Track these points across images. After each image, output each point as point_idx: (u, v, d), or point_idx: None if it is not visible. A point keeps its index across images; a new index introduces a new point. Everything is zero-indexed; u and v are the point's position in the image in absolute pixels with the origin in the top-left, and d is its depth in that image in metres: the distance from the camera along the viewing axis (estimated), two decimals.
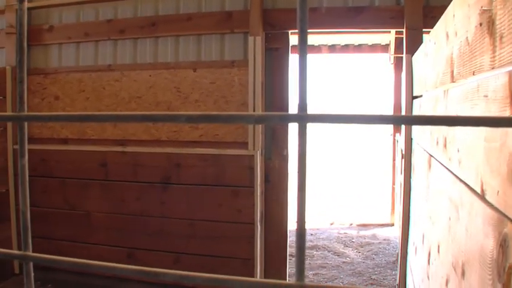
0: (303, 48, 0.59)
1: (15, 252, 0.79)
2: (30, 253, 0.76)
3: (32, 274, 0.79)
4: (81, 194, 5.30)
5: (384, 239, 7.14)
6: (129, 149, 5.18)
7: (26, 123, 0.76)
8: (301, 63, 0.59)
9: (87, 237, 5.30)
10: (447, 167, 2.17)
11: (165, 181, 5.04)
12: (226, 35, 5.09)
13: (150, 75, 5.22)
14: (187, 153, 4.97)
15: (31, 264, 0.77)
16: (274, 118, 0.62)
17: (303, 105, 0.59)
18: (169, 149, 5.07)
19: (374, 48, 8.33)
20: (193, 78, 5.09)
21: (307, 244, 6.89)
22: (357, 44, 8.34)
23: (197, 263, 4.88)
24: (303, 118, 0.58)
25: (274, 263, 5.15)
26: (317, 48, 8.22)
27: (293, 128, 5.19)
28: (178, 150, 5.03)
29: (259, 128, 4.85)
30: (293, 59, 5.33)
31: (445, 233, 2.17)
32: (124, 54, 5.38)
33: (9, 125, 5.58)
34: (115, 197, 5.20)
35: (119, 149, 5.20)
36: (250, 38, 4.88)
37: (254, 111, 4.79)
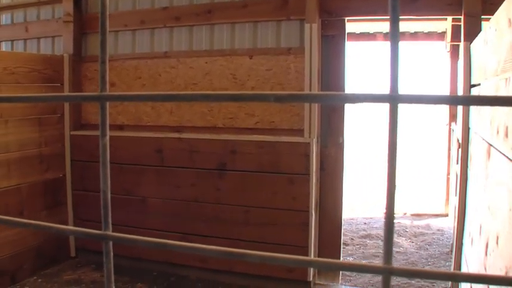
0: (395, 28, 0.59)
1: (96, 231, 0.80)
2: (110, 233, 0.76)
3: (112, 253, 0.80)
4: (137, 180, 5.35)
5: (438, 230, 7.04)
6: (185, 135, 5.21)
7: (107, 103, 0.76)
8: (393, 43, 0.59)
9: (142, 222, 5.36)
10: (508, 156, 2.11)
11: (221, 168, 5.05)
12: (283, 22, 5.06)
13: (206, 62, 5.24)
14: (243, 140, 4.97)
15: (111, 243, 0.77)
16: (367, 97, 0.61)
17: (394, 85, 0.58)
18: (225, 135, 5.08)
19: (430, 35, 8.18)
20: (249, 65, 5.09)
21: (360, 233, 6.85)
22: (412, 31, 8.21)
23: (252, 250, 4.88)
24: (395, 98, 0.58)
25: (328, 251, 5.13)
26: (372, 36, 8.11)
27: (348, 116, 5.14)
28: (234, 137, 5.03)
29: (315, 115, 4.81)
30: (349, 46, 5.27)
31: (505, 224, 2.11)
32: (180, 42, 5.42)
33: (67, 111, 5.69)
34: (170, 182, 5.24)
35: (175, 135, 5.24)
36: (307, 25, 4.84)
37: None
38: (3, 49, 6.48)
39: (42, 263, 5.47)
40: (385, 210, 0.61)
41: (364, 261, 5.80)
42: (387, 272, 0.59)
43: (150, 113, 5.48)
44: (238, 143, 4.98)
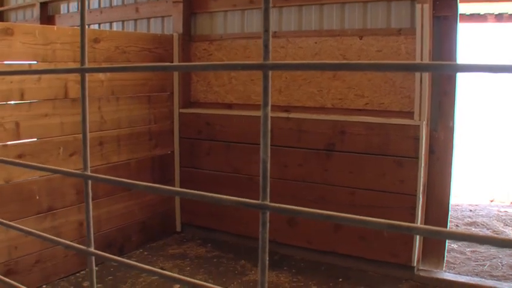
0: None
1: (254, 201, 0.82)
2: (268, 203, 0.78)
3: (268, 224, 0.82)
4: (244, 158, 5.43)
5: None
6: (293, 115, 5.24)
7: (270, 72, 0.77)
8: None
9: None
10: None
11: (329, 148, 5.05)
12: (393, 2, 4.97)
13: (315, 42, 5.23)
14: (352, 121, 4.94)
15: (268, 214, 0.79)
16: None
17: None
18: (334, 116, 5.06)
19: None
20: (359, 46, 5.04)
21: (466, 220, 6.69)
22: (496, 13, 7.87)
23: (356, 232, 4.88)
24: None
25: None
26: (482, 17, 7.85)
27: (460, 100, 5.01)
28: (343, 117, 5.00)
29: (426, 97, 4.72)
30: (461, 27, 5.12)
31: None
32: (289, 21, 5.42)
33: (176, 88, 5.84)
34: (278, 162, 5.28)
35: (284, 115, 5.26)
36: (418, 6, 4.73)
37: (421, 80, 4.69)
38: (115, 30, 6.71)
39: (148, 237, 5.67)
40: None
41: (468, 250, 5.66)
42: None
43: (259, 92, 5.53)
44: (347, 124, 4.95)
